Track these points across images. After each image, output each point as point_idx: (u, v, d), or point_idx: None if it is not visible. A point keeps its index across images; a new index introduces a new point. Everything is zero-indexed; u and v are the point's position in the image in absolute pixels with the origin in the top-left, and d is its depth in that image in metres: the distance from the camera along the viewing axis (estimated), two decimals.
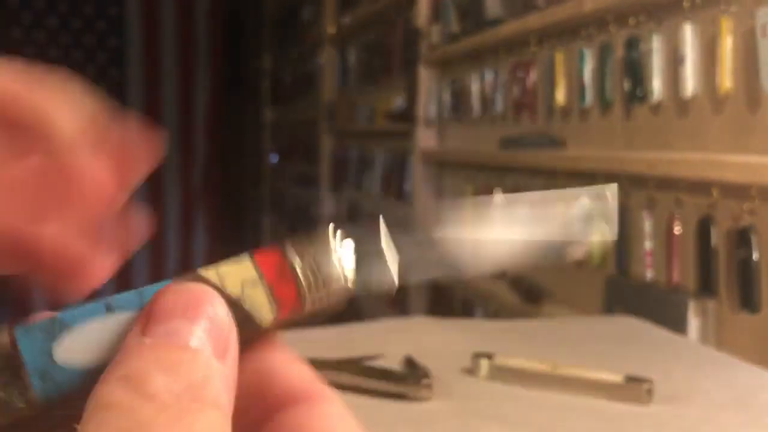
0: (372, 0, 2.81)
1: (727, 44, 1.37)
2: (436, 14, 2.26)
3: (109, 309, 0.19)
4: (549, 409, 0.71)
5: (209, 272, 0.19)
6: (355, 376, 0.73)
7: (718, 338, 1.48)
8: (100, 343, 0.18)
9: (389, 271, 0.21)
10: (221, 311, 0.19)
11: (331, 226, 0.20)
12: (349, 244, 0.21)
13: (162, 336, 0.18)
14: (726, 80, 1.38)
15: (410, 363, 0.80)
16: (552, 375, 0.76)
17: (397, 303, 2.53)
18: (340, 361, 0.76)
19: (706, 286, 1.48)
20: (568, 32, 1.72)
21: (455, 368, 0.80)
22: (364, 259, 0.21)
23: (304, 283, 0.20)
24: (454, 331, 1.00)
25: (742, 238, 1.38)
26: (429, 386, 0.74)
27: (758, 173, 1.26)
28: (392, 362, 0.80)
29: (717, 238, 1.46)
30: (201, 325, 0.18)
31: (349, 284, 0.21)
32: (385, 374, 0.76)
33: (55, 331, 0.18)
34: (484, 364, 0.79)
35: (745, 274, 1.37)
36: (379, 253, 0.21)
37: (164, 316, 0.18)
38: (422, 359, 0.79)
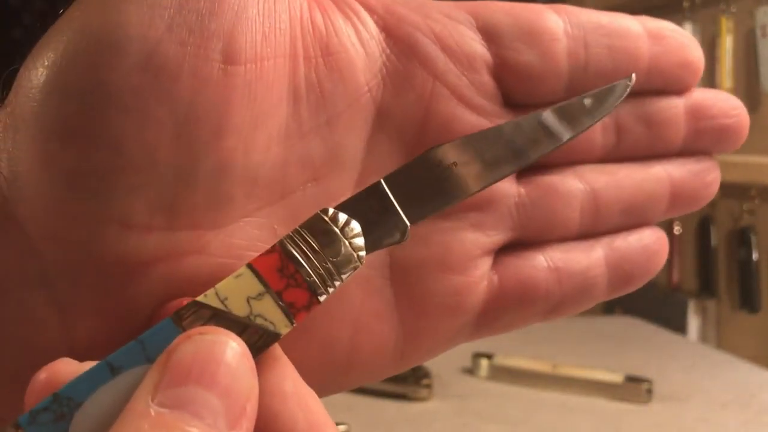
0: None
1: (727, 44, 1.37)
2: None
3: (114, 370, 0.17)
4: (549, 409, 0.71)
5: (208, 297, 0.18)
6: None
7: (718, 338, 1.48)
8: (110, 411, 0.17)
9: (402, 220, 0.20)
10: (240, 368, 0.17)
11: (324, 209, 0.19)
12: (352, 221, 0.19)
13: (173, 404, 0.16)
14: (726, 80, 1.38)
15: None
16: (552, 375, 0.76)
17: None
18: None
19: (706, 286, 1.48)
20: None
21: (455, 368, 0.80)
22: (372, 225, 0.20)
23: (315, 279, 0.19)
24: None
25: (742, 238, 1.38)
26: (429, 386, 0.74)
27: (758, 173, 1.26)
28: None
29: (717, 238, 1.46)
30: (216, 391, 0.16)
31: (362, 260, 0.19)
32: None
33: (64, 411, 0.17)
34: (484, 364, 0.79)
35: (745, 274, 1.37)
36: (388, 210, 0.20)
37: (177, 380, 0.16)
38: None
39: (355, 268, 0.19)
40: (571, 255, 0.24)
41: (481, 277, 0.23)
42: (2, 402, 0.20)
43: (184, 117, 0.19)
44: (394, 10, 0.23)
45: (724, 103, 0.25)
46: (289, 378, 0.19)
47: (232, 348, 0.17)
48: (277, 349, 0.19)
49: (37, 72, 0.19)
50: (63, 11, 0.20)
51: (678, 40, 0.24)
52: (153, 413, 0.16)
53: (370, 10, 0.23)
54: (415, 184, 0.21)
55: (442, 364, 0.80)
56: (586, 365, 0.77)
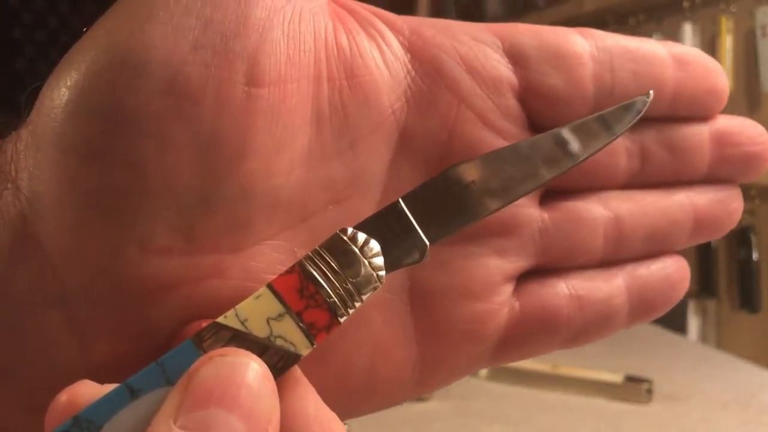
0: (372, 0, 2.81)
1: (727, 44, 1.37)
2: (437, 14, 2.26)
3: (134, 393, 0.17)
4: (549, 409, 0.71)
5: (228, 318, 0.18)
6: None
7: (718, 338, 1.48)
8: None
9: (421, 239, 0.20)
10: (262, 390, 0.17)
11: (343, 229, 0.19)
12: (371, 240, 0.19)
13: (195, 426, 0.16)
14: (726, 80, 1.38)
15: None
16: (552, 375, 0.76)
17: None
18: None
19: (706, 286, 1.48)
20: None
21: None
22: (391, 244, 0.20)
23: (335, 299, 0.18)
24: None
25: (742, 238, 1.38)
26: None
27: None
28: None
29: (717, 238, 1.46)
30: (237, 414, 0.16)
31: (382, 280, 0.19)
32: None
33: None
34: None
35: (745, 274, 1.37)
36: (407, 230, 0.20)
37: (199, 403, 0.16)
38: None
39: (375, 288, 0.19)
40: (593, 283, 0.24)
41: (502, 303, 0.23)
42: (16, 421, 0.20)
43: (206, 140, 0.19)
44: (420, 31, 0.22)
45: (750, 131, 0.24)
46: (311, 400, 0.19)
47: (254, 369, 0.17)
48: (297, 371, 0.19)
49: (60, 92, 0.19)
50: (86, 30, 0.20)
51: (703, 66, 0.24)
52: None
53: (396, 31, 0.22)
54: (434, 202, 0.20)
55: None
56: (586, 365, 0.77)
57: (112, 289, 0.19)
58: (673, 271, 0.25)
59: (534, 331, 0.23)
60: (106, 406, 0.17)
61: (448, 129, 0.22)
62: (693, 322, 1.48)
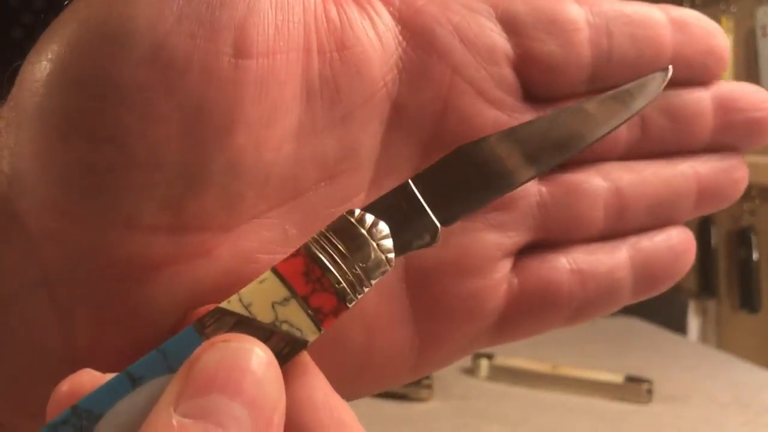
0: None
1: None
2: None
3: (134, 381, 0.16)
4: (549, 409, 0.71)
5: (231, 303, 0.17)
6: None
7: (718, 338, 1.48)
8: (131, 423, 0.16)
9: (432, 221, 0.19)
10: (266, 377, 0.16)
11: (351, 211, 0.18)
12: (379, 222, 0.18)
13: (196, 414, 0.15)
14: (726, 80, 1.38)
15: None
16: (552, 375, 0.76)
17: None
18: None
19: (706, 286, 1.48)
20: None
21: (455, 368, 0.80)
22: (401, 227, 0.19)
23: (343, 284, 0.18)
24: None
25: (742, 238, 1.38)
26: (429, 386, 0.73)
27: (758, 173, 1.26)
28: None
29: (717, 238, 1.46)
30: (241, 400, 0.15)
31: (391, 264, 0.18)
32: None
33: (83, 424, 0.16)
34: (484, 364, 0.78)
35: (745, 274, 1.37)
36: (417, 211, 0.19)
37: (200, 390, 0.15)
38: None
39: (384, 272, 0.18)
40: (595, 256, 0.23)
41: (500, 280, 0.22)
42: (1, 407, 0.20)
43: (193, 113, 0.18)
44: (410, 1, 0.22)
45: (754, 96, 0.24)
46: (319, 388, 0.18)
47: (258, 356, 0.16)
48: (305, 357, 0.18)
49: (41, 65, 0.18)
50: (68, 3, 0.20)
51: (702, 27, 0.24)
52: (176, 424, 0.15)
53: (386, 2, 0.22)
54: (445, 183, 0.20)
55: None
56: (587, 365, 0.77)
57: (96, 269, 0.18)
58: (677, 242, 0.24)
59: (534, 308, 0.23)
60: (106, 395, 0.16)
61: (442, 100, 0.22)
62: (693, 322, 1.48)
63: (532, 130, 0.21)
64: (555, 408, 0.72)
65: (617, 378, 0.73)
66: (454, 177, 0.20)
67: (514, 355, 0.79)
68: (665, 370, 0.81)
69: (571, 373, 0.75)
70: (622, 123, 0.21)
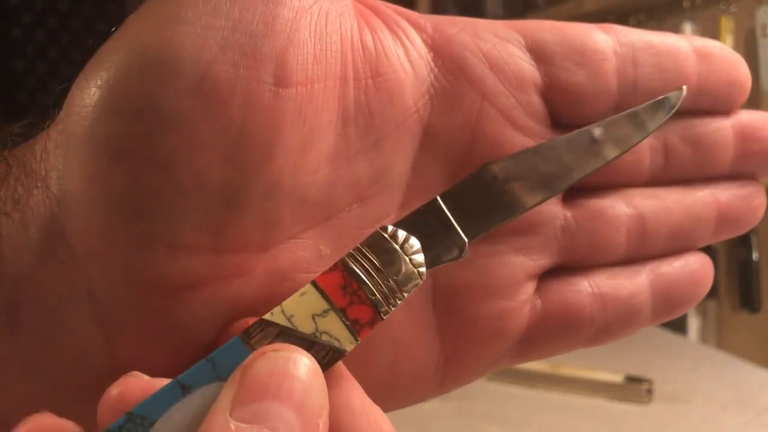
0: None
1: (727, 44, 1.37)
2: (436, 13, 2.26)
3: (185, 389, 0.17)
4: (549, 409, 0.71)
5: (275, 315, 0.18)
6: None
7: (719, 338, 1.47)
8: (183, 429, 0.17)
9: (460, 237, 0.20)
10: (313, 385, 0.17)
11: (384, 227, 0.19)
12: (411, 237, 0.20)
13: (251, 419, 0.16)
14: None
15: None
16: (552, 375, 0.76)
17: None
18: None
19: None
20: None
21: None
22: (430, 242, 0.20)
23: (378, 296, 0.19)
24: None
25: (742, 238, 1.38)
26: None
27: None
28: None
29: None
30: (291, 406, 0.16)
31: (423, 276, 0.20)
32: None
33: (138, 430, 0.17)
34: None
35: (745, 274, 1.37)
36: (446, 227, 0.20)
37: (254, 396, 0.16)
38: None
39: (416, 285, 0.19)
40: (616, 281, 0.24)
41: (524, 301, 0.23)
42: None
43: (235, 140, 0.19)
44: (443, 28, 0.23)
45: None
46: (356, 396, 0.19)
47: (305, 364, 0.17)
48: (342, 366, 0.19)
49: (90, 91, 0.19)
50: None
51: (726, 58, 0.24)
52: (233, 428, 0.16)
53: (419, 29, 0.22)
54: (471, 200, 0.21)
55: None
56: (587, 365, 0.77)
57: (139, 287, 0.19)
58: (696, 268, 0.25)
59: (556, 330, 0.23)
60: (159, 402, 0.17)
61: (471, 126, 0.22)
62: (693, 322, 1.48)
63: (549, 150, 0.21)
64: (555, 408, 0.72)
65: (617, 378, 0.73)
66: (481, 193, 0.21)
67: None
68: (665, 370, 0.81)
69: (571, 373, 0.75)
70: (637, 144, 0.22)
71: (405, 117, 0.22)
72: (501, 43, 0.23)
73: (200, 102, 0.18)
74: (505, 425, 0.67)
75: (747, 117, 0.24)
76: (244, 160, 0.19)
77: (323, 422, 0.17)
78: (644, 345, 0.96)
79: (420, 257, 0.20)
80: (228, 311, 0.20)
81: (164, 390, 0.17)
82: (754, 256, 1.37)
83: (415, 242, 0.20)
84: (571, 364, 0.77)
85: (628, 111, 0.22)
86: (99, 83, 0.19)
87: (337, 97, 0.21)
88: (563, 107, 0.23)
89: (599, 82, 0.23)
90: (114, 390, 0.17)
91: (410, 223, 0.20)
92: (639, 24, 1.62)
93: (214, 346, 0.19)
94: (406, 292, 0.19)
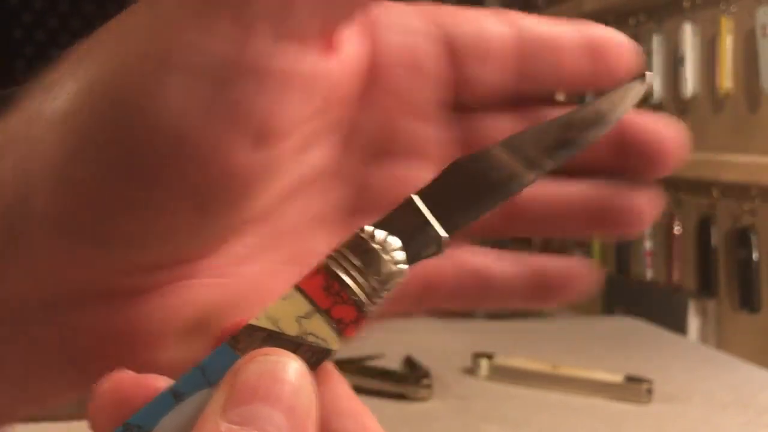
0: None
1: (727, 44, 1.37)
2: None
3: (178, 397, 0.18)
4: (549, 409, 0.71)
5: (260, 320, 0.19)
6: (355, 376, 0.73)
7: (718, 338, 1.48)
8: None
9: (436, 232, 0.20)
10: (302, 387, 0.17)
11: (362, 228, 0.20)
12: (389, 236, 0.20)
13: (241, 421, 0.17)
14: (726, 80, 1.38)
15: (410, 363, 0.80)
16: (552, 375, 0.76)
17: None
18: (340, 361, 0.76)
19: (706, 286, 1.48)
20: None
21: (455, 368, 0.80)
22: (411, 240, 0.20)
23: (360, 296, 0.19)
24: (454, 331, 1.00)
25: (742, 238, 1.38)
26: (429, 386, 0.74)
27: (758, 173, 1.26)
28: (392, 362, 0.80)
29: (717, 238, 1.46)
30: (280, 408, 0.17)
31: (405, 274, 0.20)
32: (385, 374, 0.77)
33: None
34: (484, 364, 0.79)
35: (745, 274, 1.37)
36: (423, 224, 0.20)
37: (244, 399, 0.17)
38: (422, 359, 0.79)
39: (398, 282, 0.20)
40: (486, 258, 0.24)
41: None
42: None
43: (209, 195, 0.19)
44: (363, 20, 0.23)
45: (651, 124, 0.24)
46: (344, 396, 0.20)
47: (294, 367, 0.18)
48: (329, 367, 0.20)
49: (66, 126, 0.19)
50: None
51: (613, 46, 0.24)
52: (224, 430, 0.16)
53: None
54: (447, 195, 0.21)
55: (442, 364, 0.80)
56: (587, 365, 0.77)
57: (96, 295, 0.20)
58: (574, 265, 0.25)
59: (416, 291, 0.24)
60: (153, 411, 0.18)
61: (385, 123, 0.23)
62: (693, 322, 1.48)
63: (525, 138, 0.22)
64: (555, 408, 0.72)
65: (617, 378, 0.73)
66: (455, 188, 0.21)
67: (514, 355, 0.79)
68: (665, 370, 0.81)
69: (571, 373, 0.75)
70: (604, 131, 0.22)
71: (338, 121, 0.22)
72: (410, 35, 0.23)
73: (177, 161, 0.19)
74: (505, 425, 0.67)
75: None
76: (215, 208, 0.20)
77: (311, 423, 0.17)
78: (644, 345, 0.96)
79: (400, 255, 0.20)
80: (180, 313, 0.21)
81: (158, 399, 0.18)
82: (754, 256, 1.37)
83: (394, 241, 0.20)
84: (571, 364, 0.77)
85: (597, 99, 0.22)
86: (76, 126, 0.19)
87: (308, 146, 0.22)
88: (467, 96, 0.24)
89: (497, 70, 0.23)
90: (105, 383, 0.18)
91: (388, 223, 0.20)
92: (639, 24, 1.63)
93: (173, 350, 0.21)
94: (387, 290, 0.19)
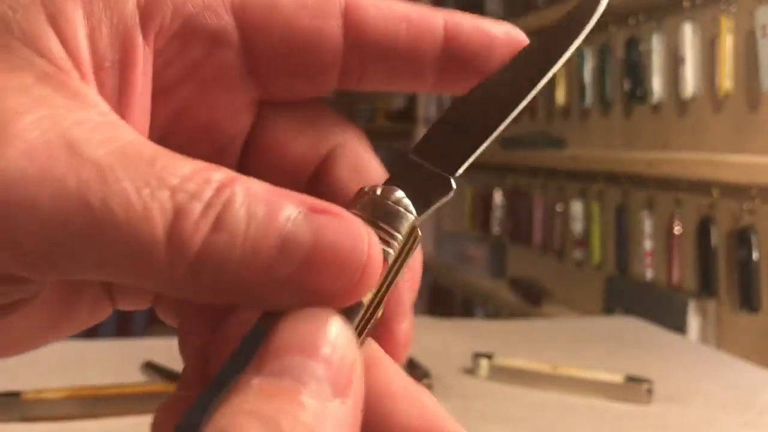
0: None
1: (727, 44, 1.37)
2: None
3: (219, 387, 0.18)
4: (549, 409, 0.71)
5: None
6: None
7: (718, 338, 1.48)
8: None
9: (440, 176, 0.21)
10: (341, 340, 0.17)
11: (362, 188, 0.20)
12: (393, 188, 0.20)
13: (277, 372, 0.16)
14: (726, 80, 1.38)
15: (410, 363, 0.80)
16: (552, 375, 0.76)
17: None
18: None
19: (706, 286, 1.48)
20: None
21: (455, 368, 0.80)
22: (417, 189, 0.21)
23: (390, 251, 0.20)
24: (454, 331, 1.00)
25: (742, 238, 1.38)
26: (429, 386, 0.74)
27: (758, 173, 1.26)
28: None
29: (717, 238, 1.46)
30: (319, 359, 0.16)
31: (417, 219, 0.20)
32: None
33: None
34: (484, 364, 0.79)
35: (745, 274, 1.38)
36: (426, 173, 0.21)
37: (279, 352, 0.17)
38: (422, 359, 0.79)
39: (412, 226, 0.20)
40: None
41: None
42: None
43: None
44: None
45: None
46: (395, 379, 0.19)
47: (333, 321, 0.17)
48: (379, 351, 0.20)
49: None
50: None
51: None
52: (258, 382, 0.16)
53: None
54: (439, 143, 0.22)
55: (442, 364, 0.80)
56: (587, 365, 0.77)
57: None
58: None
59: None
60: (199, 408, 0.17)
61: (199, 79, 0.22)
62: (693, 322, 1.48)
63: (498, 75, 0.22)
64: (555, 408, 0.72)
65: (617, 378, 0.73)
66: (445, 135, 0.22)
67: (514, 355, 0.79)
68: (665, 370, 0.81)
69: (571, 373, 0.75)
70: (573, 48, 0.23)
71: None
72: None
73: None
74: (505, 425, 0.67)
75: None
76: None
77: (356, 377, 0.17)
78: (644, 345, 0.96)
79: (406, 201, 0.20)
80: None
81: (202, 396, 0.18)
82: (754, 256, 1.37)
83: (397, 191, 0.20)
84: (571, 364, 0.77)
85: (558, 21, 0.24)
86: None
87: None
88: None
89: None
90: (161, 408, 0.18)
91: (393, 181, 0.21)
92: (639, 24, 1.63)
93: None
94: (400, 233, 0.20)
